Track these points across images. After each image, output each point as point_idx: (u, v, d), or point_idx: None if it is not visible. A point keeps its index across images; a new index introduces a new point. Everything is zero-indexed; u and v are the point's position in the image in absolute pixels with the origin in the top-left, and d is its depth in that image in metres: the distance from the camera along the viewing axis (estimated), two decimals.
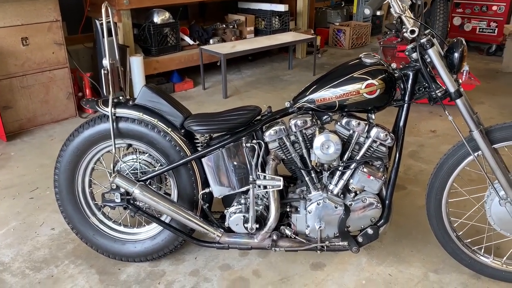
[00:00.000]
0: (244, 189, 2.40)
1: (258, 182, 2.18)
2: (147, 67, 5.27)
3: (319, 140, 2.19)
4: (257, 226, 2.27)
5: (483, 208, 2.34)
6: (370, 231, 2.30)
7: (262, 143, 2.33)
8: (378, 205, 2.27)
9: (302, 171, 2.33)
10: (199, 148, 2.41)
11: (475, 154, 2.23)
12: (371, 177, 2.25)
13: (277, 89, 5.66)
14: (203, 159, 2.37)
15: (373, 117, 2.27)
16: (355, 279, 2.48)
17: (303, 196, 2.38)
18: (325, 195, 2.30)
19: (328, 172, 2.32)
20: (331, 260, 2.63)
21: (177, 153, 2.41)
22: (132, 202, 2.42)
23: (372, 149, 2.25)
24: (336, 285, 2.44)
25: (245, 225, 2.28)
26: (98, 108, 2.38)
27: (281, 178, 2.17)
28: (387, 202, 2.31)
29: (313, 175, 2.34)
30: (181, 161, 2.38)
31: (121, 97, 2.44)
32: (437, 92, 2.19)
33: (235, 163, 2.36)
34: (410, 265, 2.59)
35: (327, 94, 2.21)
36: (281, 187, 2.16)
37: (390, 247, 2.74)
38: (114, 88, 2.37)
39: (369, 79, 2.15)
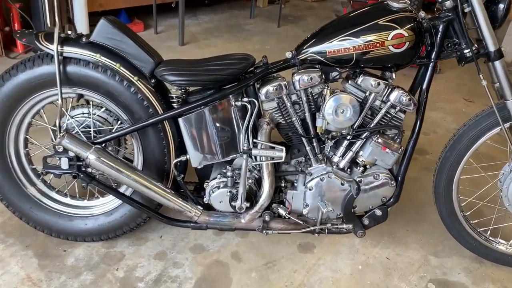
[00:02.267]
0: (229, 158, 1.93)
1: (254, 152, 1.72)
2: (91, 2, 4.49)
3: (332, 102, 1.76)
4: (248, 205, 1.83)
5: (499, 187, 2.06)
6: (378, 212, 1.95)
7: (256, 102, 1.86)
8: (392, 182, 1.91)
9: (303, 139, 1.90)
10: (174, 105, 1.88)
11: (505, 125, 1.90)
12: (387, 150, 1.87)
13: (240, 39, 5.10)
14: (179, 119, 1.86)
15: (394, 76, 1.87)
16: (350, 264, 2.15)
17: (301, 169, 1.96)
18: (329, 168, 1.90)
19: (333, 142, 1.91)
20: (320, 241, 2.27)
21: (144, 109, 1.87)
22: (84, 169, 1.87)
23: (389, 115, 1.86)
24: (329, 271, 2.09)
25: (233, 203, 1.83)
26: (39, 44, 1.76)
27: (283, 148, 1.72)
28: (399, 178, 1.95)
29: (315, 144, 1.92)
30: (150, 120, 1.85)
31: (70, 32, 1.83)
32: (473, 49, 1.81)
33: (220, 125, 1.88)
34: (408, 247, 2.30)
35: (343, 44, 1.75)
36: (283, 159, 1.72)
37: (384, 226, 2.41)
38: (61, 19, 1.76)
39: (397, 29, 1.72)
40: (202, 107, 1.85)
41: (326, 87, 1.83)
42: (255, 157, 1.85)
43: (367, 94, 1.84)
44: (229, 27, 5.58)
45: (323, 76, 1.84)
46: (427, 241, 2.35)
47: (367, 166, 1.92)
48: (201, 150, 1.90)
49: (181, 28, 4.72)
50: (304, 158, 1.98)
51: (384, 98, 1.84)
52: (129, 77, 1.83)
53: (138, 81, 1.84)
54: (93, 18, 4.81)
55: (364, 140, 1.88)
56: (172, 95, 1.88)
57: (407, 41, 1.74)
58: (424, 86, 1.90)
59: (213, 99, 1.84)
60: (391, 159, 1.89)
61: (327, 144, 1.94)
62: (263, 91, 1.83)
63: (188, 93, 1.93)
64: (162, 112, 1.88)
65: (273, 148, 1.79)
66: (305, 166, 1.95)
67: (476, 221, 2.21)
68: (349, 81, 1.88)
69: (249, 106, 1.85)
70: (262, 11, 6.45)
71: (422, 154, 3.10)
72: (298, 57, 1.84)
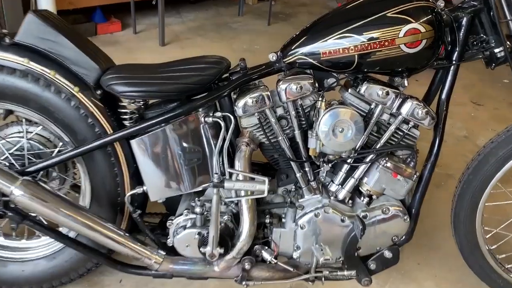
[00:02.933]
0: (199, 188, 1.53)
1: (227, 185, 1.31)
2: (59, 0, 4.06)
3: (328, 118, 1.36)
4: (222, 251, 1.42)
5: None
6: (387, 253, 1.55)
7: (231, 117, 1.46)
8: (405, 217, 1.51)
9: (292, 163, 1.50)
10: (126, 122, 1.48)
11: None
12: (398, 176, 1.47)
13: (226, 38, 4.68)
14: (132, 141, 1.45)
15: (406, 83, 1.47)
16: None
17: (291, 200, 1.56)
18: (326, 201, 1.50)
19: (330, 165, 1.51)
20: (316, 283, 1.87)
21: (89, 128, 1.47)
22: (14, 205, 1.46)
23: (400, 133, 1.47)
24: None
25: (202, 248, 1.43)
26: None
27: (266, 180, 1.32)
28: (414, 211, 1.55)
29: (307, 169, 1.52)
30: (96, 142, 1.44)
31: None
32: (507, 48, 1.42)
33: (186, 148, 1.48)
34: (421, 285, 1.91)
35: (342, 43, 1.36)
36: (265, 194, 1.32)
37: None
38: None
39: (411, 22, 1.33)
40: (162, 125, 1.44)
41: (320, 98, 1.43)
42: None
43: (372, 106, 1.45)
44: (215, 25, 5.16)
45: (316, 84, 1.44)
46: (443, 276, 1.96)
47: (373, 197, 1.52)
48: (161, 180, 1.49)
49: (161, 26, 4.30)
50: (294, 186, 1.58)
51: (394, 111, 1.44)
52: (68, 88, 1.42)
53: (80, 93, 1.43)
54: (64, 17, 4.37)
55: (369, 164, 1.48)
56: (125, 110, 1.47)
57: (424, 39, 1.34)
58: (444, 95, 1.50)
59: (176, 114, 1.43)
60: (403, 188, 1.50)
61: (322, 169, 1.53)
62: (241, 103, 1.42)
63: (146, 106, 1.52)
64: (111, 131, 1.47)
65: (252, 179, 1.38)
66: (296, 197, 1.55)
67: (503, 256, 1.81)
68: (349, 90, 1.48)
69: (223, 123, 1.45)
70: (251, 8, 6.03)
71: None
72: (284, 60, 1.44)
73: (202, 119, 1.46)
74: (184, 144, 1.47)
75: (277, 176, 1.65)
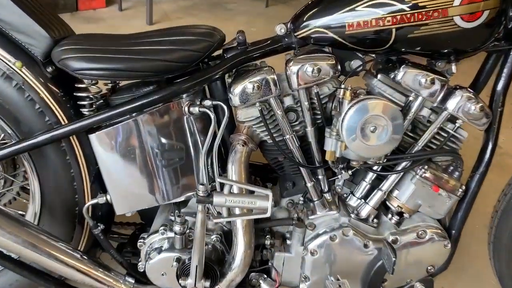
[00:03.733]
0: (181, 199, 1.18)
1: (216, 199, 0.96)
2: None
3: (357, 112, 1.00)
4: (207, 284, 1.08)
5: None
6: (419, 287, 1.21)
7: (225, 108, 1.10)
8: (446, 243, 1.18)
9: (302, 169, 1.15)
10: (85, 111, 1.12)
11: None
12: (440, 190, 1.13)
13: (220, 19, 4.30)
14: (92, 136, 1.10)
15: (454, 69, 1.12)
16: None
17: (298, 215, 1.22)
18: (345, 219, 1.16)
19: (350, 173, 1.16)
20: None
21: (37, 117, 1.11)
22: None
23: (444, 133, 1.13)
24: None
25: (182, 281, 1.08)
26: None
27: (270, 195, 0.97)
28: (453, 234, 1.22)
29: (320, 177, 1.18)
30: (44, 136, 1.09)
31: None
32: None
33: (163, 146, 1.12)
34: None
35: (375, 12, 1.01)
36: (269, 214, 0.97)
37: None
38: None
39: None
40: (133, 114, 1.09)
41: (342, 85, 1.08)
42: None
43: (410, 98, 1.10)
44: (209, 5, 4.77)
45: (339, 67, 1.09)
46: None
47: (405, 215, 1.18)
48: (130, 188, 1.14)
49: (149, 4, 3.91)
50: (302, 198, 1.24)
51: (437, 105, 1.10)
52: (6, 62, 1.06)
53: (23, 70, 1.07)
54: None
55: (402, 173, 1.15)
56: (83, 94, 1.11)
57: (486, 9, 1.00)
58: (500, 86, 1.16)
59: (152, 101, 1.08)
60: (444, 205, 1.16)
61: (340, 177, 1.19)
62: (237, 89, 1.07)
63: (113, 90, 1.16)
64: (66, 121, 1.11)
65: (251, 193, 1.03)
66: (304, 212, 1.21)
67: None
68: (379, 76, 1.13)
69: (213, 115, 1.10)
70: None
71: None
72: (296, 34, 1.10)
73: (186, 108, 1.11)
74: (162, 141, 1.12)
75: (280, 182, 1.30)
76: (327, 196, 1.20)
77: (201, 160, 1.13)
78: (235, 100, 1.07)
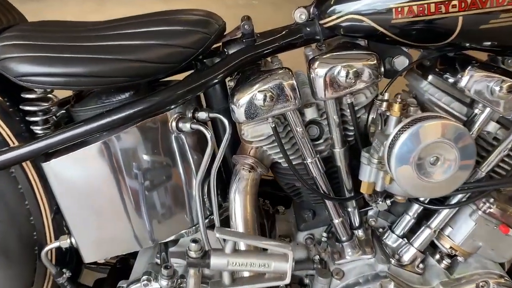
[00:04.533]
0: (169, 238, 0.91)
1: (215, 261, 0.69)
2: None
3: (412, 138, 0.72)
4: None
5: None
6: None
7: (226, 122, 0.82)
8: None
9: (327, 202, 0.88)
10: (37, 129, 0.83)
11: None
12: (511, 231, 0.86)
13: None
14: (45, 165, 0.81)
15: None
16: None
17: (320, 257, 0.95)
18: (383, 266, 0.89)
19: (389, 202, 0.89)
20: None
21: None
22: None
23: None
24: None
25: None
26: None
27: (290, 253, 0.70)
28: None
29: (351, 209, 0.91)
30: None
31: None
32: None
33: (145, 175, 0.85)
34: None
35: None
36: (288, 280, 0.70)
37: None
38: None
39: None
40: (104, 133, 0.80)
41: (385, 95, 0.80)
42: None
43: (476, 110, 0.82)
44: None
45: (382, 69, 0.80)
46: None
47: (459, 258, 0.91)
48: (100, 230, 0.86)
49: None
50: (326, 234, 0.97)
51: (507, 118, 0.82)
52: None
53: None
54: None
55: (457, 207, 0.87)
56: (32, 107, 0.82)
57: None
58: None
59: (126, 116, 0.79)
60: (511, 248, 0.89)
61: (374, 207, 0.92)
62: (242, 101, 0.78)
63: (78, 97, 0.87)
64: (16, 143, 0.83)
65: (263, 251, 0.76)
66: (329, 252, 0.94)
67: None
68: (431, 78, 0.85)
69: (209, 134, 0.82)
70: None
71: None
72: (321, 22, 0.81)
73: (174, 124, 0.82)
74: (142, 168, 0.84)
75: (295, 209, 1.03)
76: (359, 232, 0.93)
77: (195, 192, 0.85)
78: (240, 115, 0.79)
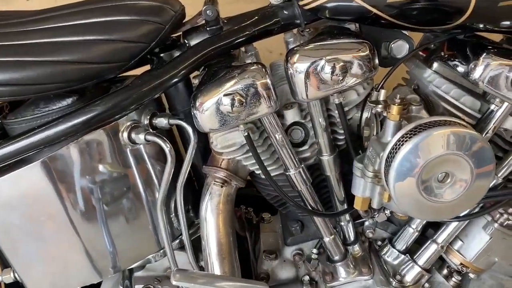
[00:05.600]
0: (135, 265, 0.78)
1: None
2: None
3: (414, 153, 0.57)
4: None
5: None
6: None
7: (190, 130, 0.68)
8: None
9: (315, 218, 0.75)
10: None
11: None
12: None
13: None
14: None
15: None
16: None
17: (311, 277, 0.82)
18: None
19: (388, 212, 0.76)
20: None
21: None
22: None
23: None
24: None
25: None
26: None
27: None
28: None
29: (343, 223, 0.78)
30: None
31: None
32: None
33: (98, 196, 0.71)
34: None
35: None
36: None
37: None
38: None
39: None
40: (44, 150, 0.66)
41: (381, 92, 0.65)
42: None
43: (492, 106, 0.67)
44: None
45: (376, 61, 0.65)
46: None
47: (471, 275, 0.79)
48: (48, 263, 0.73)
49: None
50: (316, 250, 0.84)
51: None
52: None
53: None
54: None
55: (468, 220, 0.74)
56: None
57: None
58: None
59: (67, 129, 0.64)
60: None
61: (372, 219, 0.79)
62: (206, 106, 0.63)
63: (9, 106, 0.73)
64: None
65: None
66: (320, 272, 0.82)
67: None
68: (436, 65, 0.71)
69: (167, 148, 0.67)
70: None
71: None
72: (301, 4, 0.65)
73: (126, 135, 0.68)
74: (94, 188, 0.70)
75: (282, 221, 0.90)
76: (355, 248, 0.80)
77: (158, 212, 0.72)
78: (203, 123, 0.64)
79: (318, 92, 0.63)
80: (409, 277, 0.78)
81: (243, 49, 0.75)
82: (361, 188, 0.67)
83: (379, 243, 0.83)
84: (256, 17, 0.70)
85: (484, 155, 0.58)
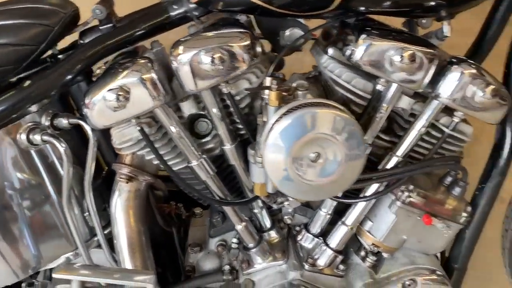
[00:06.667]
0: (54, 263, 0.80)
1: None
2: None
3: (285, 134, 0.59)
4: None
5: None
6: None
7: (88, 130, 0.69)
8: None
9: (226, 208, 0.76)
10: None
11: None
12: (434, 221, 0.74)
13: None
14: None
15: (447, 31, 0.69)
16: None
17: (232, 266, 0.83)
18: (295, 273, 0.78)
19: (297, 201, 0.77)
20: None
21: None
22: None
23: (437, 133, 0.72)
24: None
25: None
26: None
27: (150, 285, 0.58)
28: (455, 267, 0.85)
29: (256, 210, 0.80)
30: None
31: None
32: None
33: (7, 197, 0.72)
34: None
35: None
36: None
37: None
38: None
39: None
40: None
41: (267, 79, 0.66)
42: None
43: (378, 86, 0.68)
44: None
45: (258, 49, 0.67)
46: None
47: (385, 255, 0.80)
48: None
49: None
50: (236, 239, 0.85)
51: (424, 91, 0.69)
52: None
53: None
54: None
55: (375, 199, 0.76)
56: None
57: None
58: None
59: None
60: (442, 237, 0.78)
61: (286, 205, 0.80)
62: (93, 101, 0.65)
63: None
64: None
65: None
66: (240, 261, 0.83)
67: None
68: (330, 51, 0.73)
69: (62, 148, 0.69)
70: None
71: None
72: None
73: (24, 136, 0.69)
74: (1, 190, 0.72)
75: (211, 214, 0.91)
76: (272, 234, 0.82)
77: (66, 212, 0.73)
78: (94, 120, 0.65)
79: (204, 82, 0.65)
80: (322, 260, 0.79)
81: (149, 45, 0.77)
82: (256, 173, 0.69)
83: (298, 228, 0.84)
84: (147, 14, 0.71)
85: (354, 137, 0.59)
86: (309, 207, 0.85)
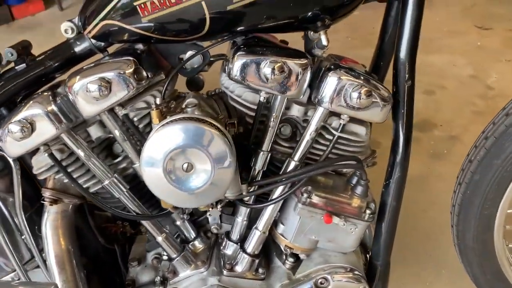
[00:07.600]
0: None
1: None
2: None
3: (155, 149, 0.65)
4: None
5: None
6: None
7: (11, 160, 0.77)
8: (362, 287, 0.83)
9: (145, 222, 0.83)
10: None
11: None
12: (335, 219, 0.77)
13: None
14: None
15: (324, 40, 0.74)
16: None
17: (164, 277, 0.89)
18: (213, 279, 0.82)
19: (219, 208, 0.82)
20: None
21: None
22: None
23: (328, 136, 0.76)
24: None
25: None
26: None
27: None
28: (378, 264, 0.87)
29: (179, 222, 0.85)
30: None
31: None
32: None
33: None
34: None
35: None
36: None
37: None
38: None
39: None
40: None
41: (156, 100, 0.73)
42: None
43: (260, 98, 0.73)
44: None
45: (143, 74, 0.73)
46: None
47: (301, 256, 0.84)
48: None
49: None
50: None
51: (317, 100, 0.74)
52: None
53: None
54: None
55: (281, 202, 0.80)
56: None
57: None
58: (404, 49, 0.76)
59: None
60: (350, 235, 0.81)
61: (208, 214, 0.85)
62: (4, 133, 0.73)
63: None
64: None
65: None
66: (169, 271, 0.88)
67: None
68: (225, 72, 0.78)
69: None
70: None
71: (426, 129, 1.95)
72: (87, 34, 0.74)
73: None
74: None
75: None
76: (196, 244, 0.87)
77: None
78: (7, 151, 0.73)
79: (95, 107, 0.72)
80: (240, 265, 0.83)
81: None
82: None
83: (222, 238, 0.89)
84: (55, 51, 0.79)
85: (221, 151, 0.64)
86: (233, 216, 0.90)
